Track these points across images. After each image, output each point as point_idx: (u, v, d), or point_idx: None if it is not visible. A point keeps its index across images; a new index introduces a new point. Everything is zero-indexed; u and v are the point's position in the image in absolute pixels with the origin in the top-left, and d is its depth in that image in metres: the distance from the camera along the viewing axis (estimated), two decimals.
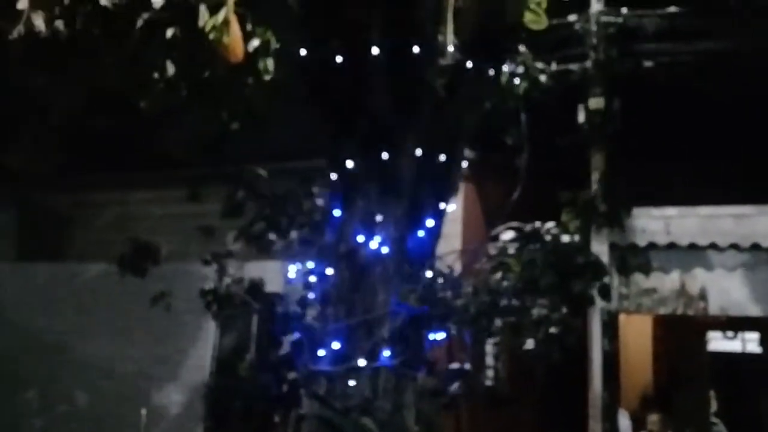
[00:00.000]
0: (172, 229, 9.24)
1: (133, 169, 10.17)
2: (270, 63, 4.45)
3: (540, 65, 5.90)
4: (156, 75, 4.29)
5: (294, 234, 4.71)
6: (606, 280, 4.50)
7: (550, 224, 4.50)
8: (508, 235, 4.51)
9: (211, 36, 4.01)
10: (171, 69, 4.26)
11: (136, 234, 5.31)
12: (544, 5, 5.10)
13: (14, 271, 10.70)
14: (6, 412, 9.79)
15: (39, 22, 3.83)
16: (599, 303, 4.92)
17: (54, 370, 9.75)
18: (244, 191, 4.68)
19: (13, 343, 9.99)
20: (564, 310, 4.15)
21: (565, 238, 4.37)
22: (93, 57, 4.20)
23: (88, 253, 10.09)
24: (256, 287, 4.63)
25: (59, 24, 3.87)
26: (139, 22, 4.04)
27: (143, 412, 8.70)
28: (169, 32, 4.08)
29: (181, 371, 9.19)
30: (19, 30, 3.83)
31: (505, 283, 4.30)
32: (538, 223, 4.49)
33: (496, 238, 4.65)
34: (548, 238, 4.33)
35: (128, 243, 4.81)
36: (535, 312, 4.15)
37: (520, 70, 5.71)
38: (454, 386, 4.68)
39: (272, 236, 4.66)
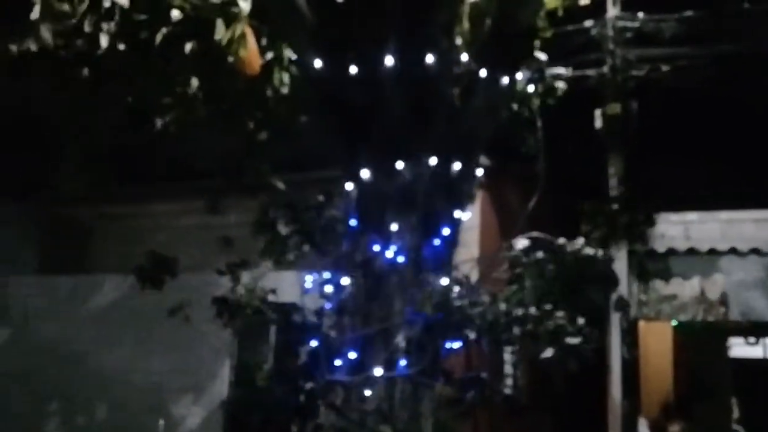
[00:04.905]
0: (193, 241, 9.31)
1: (155, 181, 10.26)
2: (285, 76, 4.49)
3: (556, 71, 5.88)
4: (179, 89, 4.34)
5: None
6: (621, 290, 4.48)
7: (579, 241, 4.48)
8: (521, 244, 4.51)
9: (228, 49, 4.06)
10: (195, 83, 4.31)
11: (157, 245, 5.35)
12: (561, 11, 5.12)
13: (37, 283, 10.82)
14: (28, 423, 9.88)
15: (47, 35, 3.89)
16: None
17: (75, 382, 9.83)
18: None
19: (35, 354, 10.09)
20: (581, 320, 4.13)
21: (580, 248, 4.35)
22: (119, 74, 4.25)
23: (109, 265, 10.18)
24: (269, 297, 4.65)
25: (82, 42, 3.92)
26: (159, 37, 4.09)
27: (161, 422, 8.76)
28: (188, 46, 4.13)
29: (200, 382, 9.23)
30: (29, 44, 3.89)
31: (520, 293, 4.29)
32: (562, 240, 4.46)
33: (512, 247, 4.65)
34: (558, 248, 4.32)
35: (147, 256, 4.85)
36: (552, 322, 4.13)
37: (536, 77, 5.71)
38: (472, 394, 4.68)
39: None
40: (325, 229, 4.62)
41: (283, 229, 4.72)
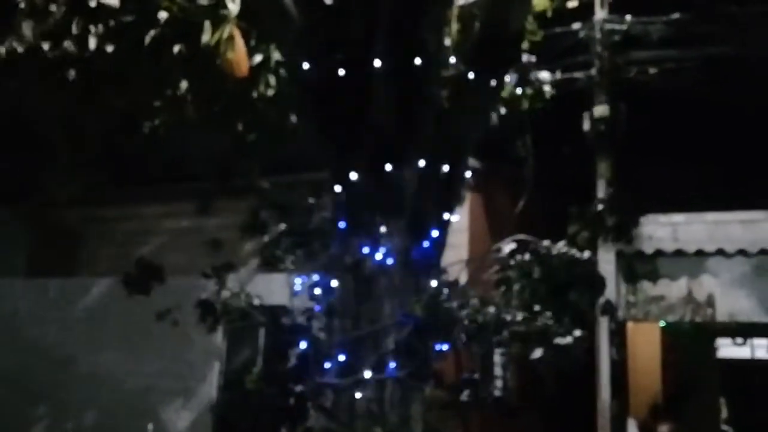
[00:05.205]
0: (183, 244, 9.28)
1: (145, 184, 10.22)
2: (272, 78, 4.49)
3: (544, 75, 5.90)
4: (169, 92, 4.34)
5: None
6: (609, 292, 4.50)
7: (561, 243, 4.49)
8: (508, 247, 4.52)
9: (217, 51, 4.06)
10: (184, 85, 4.31)
11: (147, 248, 5.34)
12: (549, 13, 5.14)
13: (26, 285, 10.76)
14: (17, 425, 9.82)
15: (28, 33, 3.89)
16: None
17: (64, 385, 9.78)
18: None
19: (24, 357, 10.04)
20: (567, 322, 4.14)
21: (566, 250, 4.37)
22: (108, 76, 4.25)
23: (99, 268, 10.14)
24: (256, 300, 4.65)
25: (70, 44, 3.92)
26: (147, 39, 4.08)
27: (150, 426, 8.73)
28: (176, 48, 4.13)
29: (189, 385, 9.20)
30: (12, 42, 3.88)
31: (508, 295, 4.30)
32: (547, 242, 4.48)
33: (500, 250, 4.66)
34: (544, 251, 4.33)
35: (134, 262, 4.83)
36: (541, 323, 4.14)
37: (524, 79, 5.73)
38: (462, 397, 4.68)
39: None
40: (315, 231, 4.63)
41: (273, 232, 4.72)
